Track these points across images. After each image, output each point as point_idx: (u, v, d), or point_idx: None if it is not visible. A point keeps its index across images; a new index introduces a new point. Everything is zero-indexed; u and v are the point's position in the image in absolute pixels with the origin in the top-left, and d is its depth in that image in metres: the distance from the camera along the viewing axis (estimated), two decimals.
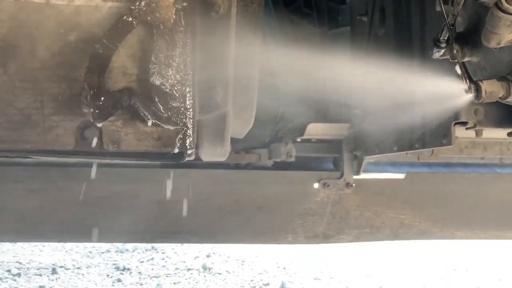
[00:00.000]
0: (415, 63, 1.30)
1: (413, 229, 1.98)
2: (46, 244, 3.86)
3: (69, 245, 3.92)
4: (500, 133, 1.35)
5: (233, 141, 1.43)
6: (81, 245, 3.94)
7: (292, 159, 1.78)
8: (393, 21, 1.41)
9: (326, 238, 1.94)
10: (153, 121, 0.85)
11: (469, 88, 0.92)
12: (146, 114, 0.86)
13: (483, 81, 0.92)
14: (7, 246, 3.73)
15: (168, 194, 1.73)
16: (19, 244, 3.76)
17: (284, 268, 3.47)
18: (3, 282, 2.96)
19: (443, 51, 0.96)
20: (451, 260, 3.89)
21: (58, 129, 0.86)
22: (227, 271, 3.38)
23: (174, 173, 1.72)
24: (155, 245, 3.85)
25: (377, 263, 3.71)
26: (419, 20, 1.29)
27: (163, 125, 0.86)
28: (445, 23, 0.95)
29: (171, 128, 0.87)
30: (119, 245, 3.91)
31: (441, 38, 0.96)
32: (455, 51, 0.93)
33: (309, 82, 1.90)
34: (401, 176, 1.93)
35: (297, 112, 1.94)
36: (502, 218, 2.03)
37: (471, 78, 0.96)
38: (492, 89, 0.91)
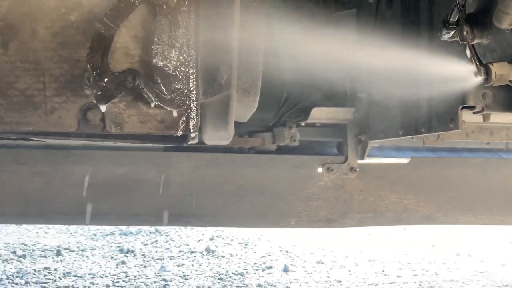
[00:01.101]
0: (422, 45, 1.28)
1: (417, 214, 1.97)
2: (50, 226, 3.90)
3: (73, 227, 3.95)
4: (507, 118, 1.33)
5: (237, 124, 1.42)
6: (85, 227, 3.97)
7: (296, 143, 1.77)
8: (401, 3, 1.38)
9: (329, 222, 1.93)
10: (156, 103, 0.84)
11: (479, 71, 0.90)
12: (150, 96, 0.85)
13: (493, 64, 0.90)
14: (12, 228, 3.76)
15: (171, 178, 1.73)
16: (24, 226, 3.79)
17: (287, 252, 3.49)
18: (8, 263, 2.99)
19: (452, 32, 0.94)
20: (454, 245, 3.90)
21: (60, 111, 0.85)
22: (230, 254, 3.40)
23: (177, 156, 1.72)
24: (159, 228, 3.88)
25: (380, 248, 3.73)
26: (427, 1, 1.26)
27: (166, 107, 0.84)
28: (455, 4, 0.92)
29: (175, 110, 0.85)
30: (123, 228, 3.94)
31: (451, 19, 0.93)
32: (465, 33, 0.91)
33: (314, 65, 1.88)
34: (405, 160, 1.92)
35: (301, 96, 1.92)
36: (506, 203, 2.02)
37: (481, 60, 0.94)
38: (503, 71, 0.89)
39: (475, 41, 0.95)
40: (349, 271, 3.13)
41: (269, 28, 1.86)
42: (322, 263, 3.29)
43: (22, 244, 3.43)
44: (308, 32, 1.88)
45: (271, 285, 2.79)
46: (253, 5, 1.05)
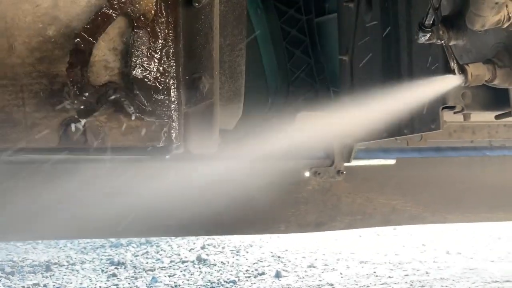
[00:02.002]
0: (402, 48, 1.29)
1: (405, 214, 1.99)
2: (39, 241, 3.85)
3: (62, 241, 3.90)
4: (488, 116, 1.35)
5: (224, 132, 1.42)
6: (74, 241, 3.92)
7: (282, 149, 1.77)
8: (380, 7, 1.40)
9: (318, 226, 1.94)
10: (137, 115, 0.84)
11: (456, 71, 0.91)
12: (131, 108, 0.85)
13: (469, 65, 0.91)
14: (0, 245, 3.71)
15: (160, 187, 1.72)
16: (12, 242, 3.74)
17: (279, 257, 3.49)
18: None
19: (428, 35, 0.95)
20: (444, 243, 3.93)
21: (40, 126, 0.85)
22: (222, 262, 3.38)
23: (164, 165, 1.71)
24: (149, 238, 3.85)
25: (371, 249, 3.74)
26: (405, 5, 1.28)
27: (147, 118, 0.84)
28: (430, 6, 0.94)
29: (156, 121, 0.85)
30: (113, 240, 3.90)
31: (426, 22, 0.95)
32: (441, 32, 0.93)
33: (297, 70, 1.89)
34: (391, 162, 1.94)
35: (286, 101, 1.93)
36: (492, 200, 2.05)
37: (458, 61, 0.95)
38: (478, 72, 0.91)
39: (451, 43, 0.97)
40: (341, 274, 3.14)
41: (251, 35, 1.87)
42: (314, 267, 3.29)
43: (10, 261, 3.38)
44: (291, 38, 1.90)
45: None
46: (233, 13, 1.06)
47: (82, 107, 0.84)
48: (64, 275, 3.13)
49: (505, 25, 0.86)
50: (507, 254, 3.61)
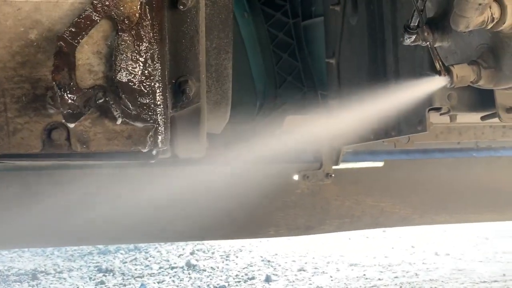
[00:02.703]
0: (388, 51, 1.30)
1: (394, 216, 1.99)
2: (25, 249, 3.78)
3: (49, 249, 3.84)
4: (474, 118, 1.36)
5: (211, 136, 1.41)
6: (62, 248, 3.87)
7: (271, 153, 1.77)
8: (366, 9, 1.41)
9: (308, 229, 1.94)
10: (122, 119, 0.83)
11: (441, 73, 0.92)
12: (116, 112, 0.84)
13: (454, 66, 0.92)
14: None
15: (147, 193, 1.70)
16: None
17: (269, 261, 3.48)
18: None
19: (414, 37, 0.96)
20: (432, 245, 3.96)
21: (23, 132, 0.83)
22: (211, 267, 3.36)
23: (152, 171, 1.69)
24: (138, 245, 3.81)
25: (361, 252, 3.75)
26: (390, 8, 1.28)
27: (132, 122, 0.83)
28: (415, 8, 0.94)
29: (141, 125, 0.84)
30: (101, 246, 3.85)
31: (412, 24, 0.95)
32: (425, 34, 0.93)
33: (285, 73, 1.89)
34: (379, 164, 1.94)
35: (274, 105, 1.93)
36: (479, 201, 2.06)
37: (443, 63, 0.96)
38: (463, 73, 0.91)
39: (437, 44, 0.97)
40: (331, 277, 3.14)
41: (237, 38, 1.87)
42: (304, 270, 3.29)
43: None
44: (278, 41, 1.90)
45: None
46: (219, 16, 1.05)
47: (69, 111, 0.83)
48: (51, 284, 3.08)
49: (489, 26, 0.86)
50: (494, 254, 3.65)
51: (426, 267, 3.31)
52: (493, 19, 0.85)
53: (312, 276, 3.14)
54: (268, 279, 3.05)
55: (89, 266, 3.43)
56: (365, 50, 1.42)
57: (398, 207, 1.99)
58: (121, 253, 3.75)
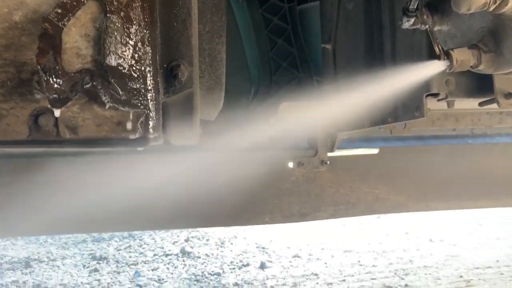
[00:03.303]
0: (385, 35, 1.27)
1: (388, 203, 1.99)
2: (19, 237, 3.76)
3: (43, 237, 3.82)
4: (471, 104, 1.34)
5: (205, 123, 1.38)
6: (55, 236, 3.85)
7: (266, 140, 1.75)
8: None
9: (302, 216, 1.93)
10: (111, 104, 0.80)
11: (440, 57, 0.90)
12: (105, 97, 0.81)
13: (454, 50, 0.89)
14: None
15: (141, 180, 1.68)
16: None
17: (263, 248, 3.48)
18: None
19: (412, 20, 0.93)
20: (427, 231, 3.98)
21: (9, 118, 0.80)
22: (206, 254, 3.36)
23: (144, 158, 1.67)
24: (132, 232, 3.80)
25: (355, 238, 3.77)
26: None
27: (122, 108, 0.80)
28: None
29: (131, 111, 0.81)
30: (95, 234, 3.84)
31: (410, 6, 0.93)
32: (425, 17, 0.90)
33: (280, 59, 1.86)
34: (374, 151, 1.93)
35: (269, 91, 1.90)
36: (474, 187, 2.06)
37: (442, 47, 0.93)
38: (463, 57, 0.89)
39: (436, 28, 0.95)
40: (325, 263, 3.15)
41: (232, 23, 1.83)
42: (298, 257, 3.29)
43: None
44: (272, 26, 1.86)
45: (248, 283, 2.77)
46: None
47: (54, 96, 0.80)
48: (44, 271, 3.06)
49: (491, 8, 0.84)
50: (488, 241, 3.67)
51: (420, 253, 3.33)
52: (495, 1, 0.82)
53: (307, 262, 3.15)
54: (262, 266, 3.05)
55: (83, 254, 3.42)
56: (361, 35, 1.39)
57: (393, 194, 1.99)
58: (115, 241, 3.74)
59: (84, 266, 3.17)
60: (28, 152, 1.52)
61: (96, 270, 3.07)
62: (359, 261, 3.17)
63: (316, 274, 2.91)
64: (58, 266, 3.17)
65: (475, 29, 0.91)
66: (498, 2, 0.82)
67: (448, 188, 2.04)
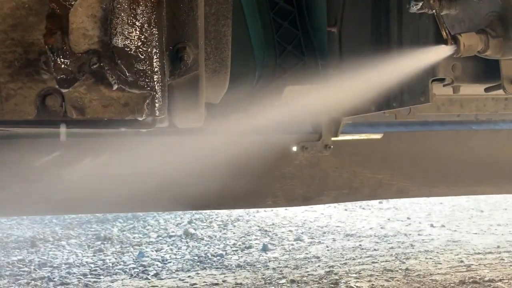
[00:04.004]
0: (392, 19, 1.26)
1: (391, 188, 2.00)
2: (24, 217, 3.81)
3: (48, 217, 3.87)
4: (476, 89, 1.34)
5: (209, 106, 1.38)
6: (60, 217, 3.89)
7: (270, 123, 1.75)
8: None
9: (305, 200, 1.94)
10: (118, 85, 0.80)
11: (448, 41, 0.89)
12: (112, 78, 0.81)
13: (462, 34, 0.89)
14: None
15: (145, 162, 1.69)
16: None
17: (266, 231, 3.51)
18: None
19: (420, 4, 0.93)
20: (428, 216, 4.00)
21: (16, 98, 0.81)
22: (209, 236, 3.39)
23: (149, 140, 1.68)
24: (136, 214, 3.83)
25: (357, 222, 3.79)
26: None
27: (128, 89, 0.81)
28: None
29: (138, 92, 0.82)
30: (100, 215, 3.87)
31: None
32: (431, 1, 0.90)
33: (285, 42, 1.85)
34: (378, 136, 1.93)
35: (273, 74, 1.89)
36: (477, 173, 2.07)
37: (449, 31, 0.93)
38: (471, 42, 0.89)
39: (444, 12, 0.94)
40: (327, 247, 3.18)
41: (237, 5, 1.82)
42: (300, 240, 3.32)
43: None
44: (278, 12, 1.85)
45: (250, 265, 2.81)
46: None
47: (62, 76, 0.80)
48: (50, 251, 3.11)
49: None
50: (489, 227, 3.69)
51: (421, 238, 3.35)
52: None
53: (309, 245, 3.18)
54: (265, 248, 3.09)
55: (88, 234, 3.46)
56: (368, 18, 1.38)
57: (396, 179, 1.99)
58: (120, 222, 3.78)
59: (88, 246, 3.21)
60: (34, 133, 1.53)
61: (100, 250, 3.11)
62: (360, 245, 3.20)
63: (318, 257, 2.94)
64: (63, 246, 3.22)
65: (483, 13, 0.90)
66: None
67: (451, 174, 2.05)
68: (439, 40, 0.96)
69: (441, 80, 1.13)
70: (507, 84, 1.02)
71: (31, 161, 1.61)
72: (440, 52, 0.93)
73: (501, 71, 1.01)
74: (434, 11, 0.92)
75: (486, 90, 1.12)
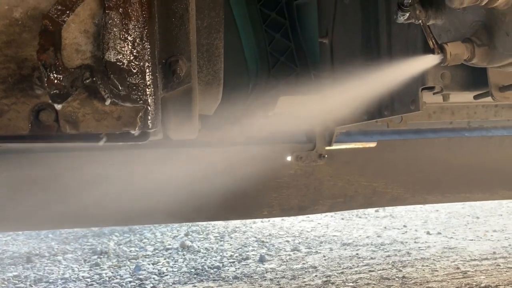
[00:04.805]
0: (381, 29, 1.29)
1: (386, 196, 2.01)
2: (20, 232, 3.78)
3: (44, 232, 3.84)
4: (466, 97, 1.36)
5: (203, 118, 1.39)
6: (56, 231, 3.87)
7: (264, 134, 1.76)
8: None
9: (301, 209, 1.95)
10: (111, 99, 0.81)
11: (435, 50, 0.91)
12: (105, 92, 0.82)
13: (448, 44, 0.91)
14: None
15: (140, 175, 1.69)
16: None
17: (263, 242, 3.51)
18: None
19: (407, 14, 0.95)
20: (424, 224, 4.01)
21: (10, 113, 0.82)
22: (206, 248, 3.38)
23: (143, 152, 1.68)
24: (132, 227, 3.82)
25: (353, 231, 3.79)
26: None
27: (121, 103, 0.82)
28: None
29: (131, 106, 0.83)
30: (96, 229, 3.86)
31: (405, 1, 0.94)
32: (417, 12, 0.92)
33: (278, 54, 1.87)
34: (372, 144, 1.95)
35: (267, 85, 1.91)
36: (470, 180, 2.08)
37: (436, 40, 0.95)
38: (457, 51, 0.90)
39: (430, 22, 0.96)
40: (324, 256, 3.17)
41: (229, 18, 1.84)
42: (297, 250, 3.32)
43: None
44: (270, 21, 1.87)
45: (248, 276, 2.80)
46: None
47: (55, 91, 0.81)
48: (46, 266, 3.09)
49: (483, 3, 0.85)
50: (485, 233, 3.70)
51: (418, 246, 3.35)
52: None
53: (306, 255, 3.17)
54: (262, 259, 3.08)
55: (84, 249, 3.44)
56: (358, 29, 1.40)
57: (390, 187, 2.00)
58: (116, 236, 3.76)
59: (85, 260, 3.19)
60: (28, 147, 1.53)
61: (97, 264, 3.09)
62: (357, 254, 3.19)
63: (315, 267, 2.94)
64: (59, 261, 3.19)
65: (469, 23, 0.92)
66: None
67: (445, 181, 2.06)
68: (427, 49, 0.97)
69: (431, 88, 1.15)
70: (495, 92, 1.03)
71: (27, 175, 1.61)
72: (428, 61, 0.95)
73: (489, 79, 1.03)
74: (420, 21, 0.94)
75: (475, 97, 1.14)
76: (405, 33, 1.16)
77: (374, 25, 1.32)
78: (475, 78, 1.13)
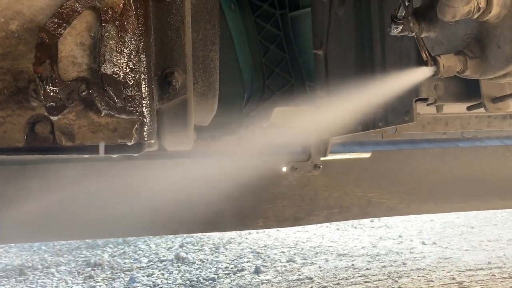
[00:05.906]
0: (375, 42, 1.30)
1: (381, 206, 2.01)
2: (12, 245, 3.74)
3: (37, 244, 3.80)
4: (460, 108, 1.37)
5: (199, 129, 1.39)
6: (49, 243, 3.83)
7: (259, 145, 1.77)
8: (353, 0, 1.40)
9: (296, 220, 1.95)
10: (107, 111, 0.81)
11: (428, 63, 0.92)
12: (101, 104, 0.82)
13: (441, 56, 0.92)
14: None
15: (135, 186, 1.69)
16: None
17: (258, 253, 3.49)
18: None
19: (401, 27, 0.96)
20: (419, 234, 4.01)
21: (5, 125, 0.81)
22: (201, 260, 3.36)
23: (139, 164, 1.68)
24: (126, 238, 3.79)
25: (349, 242, 3.78)
26: None
27: (117, 115, 0.82)
28: None
29: (126, 118, 0.83)
30: (89, 241, 3.82)
31: (398, 14, 0.95)
32: (411, 24, 0.93)
33: (272, 65, 1.88)
34: (367, 155, 1.96)
35: (261, 97, 1.92)
36: (465, 190, 2.09)
37: (429, 53, 0.96)
38: (450, 63, 0.92)
39: (423, 35, 0.97)
40: (320, 267, 3.16)
41: (225, 29, 1.85)
42: (293, 261, 3.30)
43: None
44: (265, 33, 1.89)
45: None
46: (205, 7, 1.04)
47: (51, 104, 0.81)
48: (39, 279, 3.05)
49: (475, 16, 0.87)
50: (480, 243, 3.71)
51: (413, 256, 3.35)
52: (479, 9, 0.85)
53: (301, 266, 3.16)
54: (257, 271, 3.06)
55: (78, 261, 3.40)
56: (352, 41, 1.42)
57: (385, 197, 2.01)
58: (110, 247, 3.73)
59: (78, 273, 3.16)
60: (23, 159, 1.53)
61: (91, 277, 3.06)
62: (353, 265, 3.18)
63: (310, 278, 2.93)
64: (52, 273, 3.16)
65: (461, 36, 0.93)
66: (481, 10, 0.85)
67: (440, 191, 2.07)
68: (420, 61, 0.99)
69: (425, 99, 1.16)
70: (487, 103, 1.05)
71: (20, 187, 1.60)
72: (421, 73, 0.96)
73: (481, 90, 1.04)
74: (414, 33, 0.96)
75: (468, 108, 1.15)
76: (399, 45, 1.17)
77: (368, 37, 1.33)
78: (468, 90, 1.14)
